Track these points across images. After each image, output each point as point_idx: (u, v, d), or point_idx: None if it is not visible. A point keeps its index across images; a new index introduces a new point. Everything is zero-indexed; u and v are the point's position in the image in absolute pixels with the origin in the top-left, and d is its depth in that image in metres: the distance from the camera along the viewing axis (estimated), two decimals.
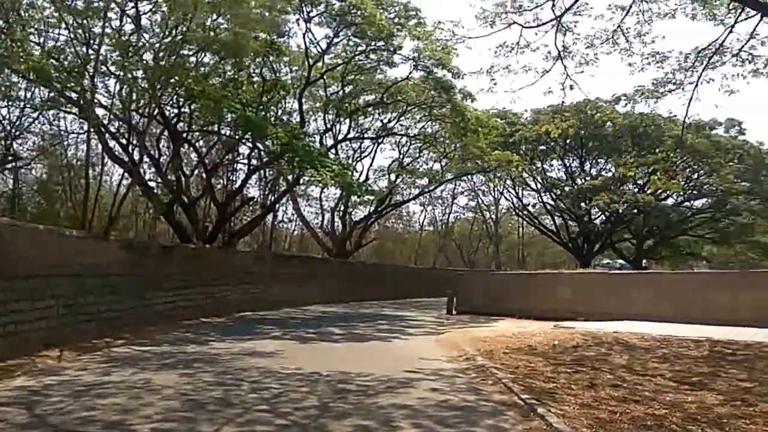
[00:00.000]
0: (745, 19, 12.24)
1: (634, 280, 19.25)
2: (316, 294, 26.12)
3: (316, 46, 24.52)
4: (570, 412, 6.84)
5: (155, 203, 20.01)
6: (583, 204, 35.24)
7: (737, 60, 13.59)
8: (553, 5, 13.21)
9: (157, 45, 16.01)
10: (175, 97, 18.44)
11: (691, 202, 36.45)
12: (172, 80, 15.92)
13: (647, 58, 14.45)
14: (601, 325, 15.53)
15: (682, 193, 36.14)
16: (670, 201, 35.32)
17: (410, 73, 26.63)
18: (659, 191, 34.39)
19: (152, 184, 21.32)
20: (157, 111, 17.39)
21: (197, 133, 22.17)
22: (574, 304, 19.26)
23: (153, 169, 21.02)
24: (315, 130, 29.88)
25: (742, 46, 13.13)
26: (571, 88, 14.21)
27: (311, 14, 22.96)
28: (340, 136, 30.99)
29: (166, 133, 20.36)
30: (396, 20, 23.47)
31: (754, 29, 12.45)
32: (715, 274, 18.70)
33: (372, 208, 35.41)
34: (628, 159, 20.10)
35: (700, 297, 16.21)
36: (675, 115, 30.73)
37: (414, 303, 30.88)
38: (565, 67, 14.05)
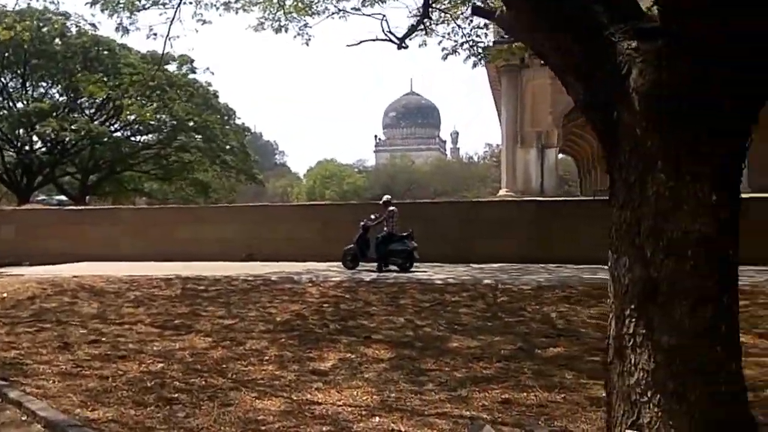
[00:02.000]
0: None
1: (92, 216, 17.97)
2: None
3: None
4: (52, 387, 5.52)
5: None
6: (22, 130, 30.97)
7: None
8: None
9: None
10: None
11: (140, 136, 36.48)
12: None
13: None
14: (56, 268, 13.92)
15: (131, 127, 35.80)
16: (119, 134, 34.41)
17: None
18: (109, 122, 33.27)
19: None
20: None
21: None
22: (18, 245, 16.77)
23: None
24: None
25: None
26: None
27: None
28: None
29: None
30: None
31: None
32: (181, 210, 19.06)
33: None
34: (100, 78, 18.06)
35: (166, 233, 16.26)
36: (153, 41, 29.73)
37: None
38: None
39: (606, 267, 3.07)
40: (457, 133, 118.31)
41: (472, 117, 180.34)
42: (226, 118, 36.35)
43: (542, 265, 13.65)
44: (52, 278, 11.99)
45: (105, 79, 28.07)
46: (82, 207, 23.71)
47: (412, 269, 13.09)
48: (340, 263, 13.88)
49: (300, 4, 14.39)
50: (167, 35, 11.74)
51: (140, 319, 8.88)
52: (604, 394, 3.15)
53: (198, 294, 10.61)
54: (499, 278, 11.38)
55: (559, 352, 6.50)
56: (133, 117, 28.44)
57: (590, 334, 7.21)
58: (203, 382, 5.71)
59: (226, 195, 42.40)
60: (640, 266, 2.74)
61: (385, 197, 14.06)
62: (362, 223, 13.65)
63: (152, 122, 33.56)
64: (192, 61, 32.37)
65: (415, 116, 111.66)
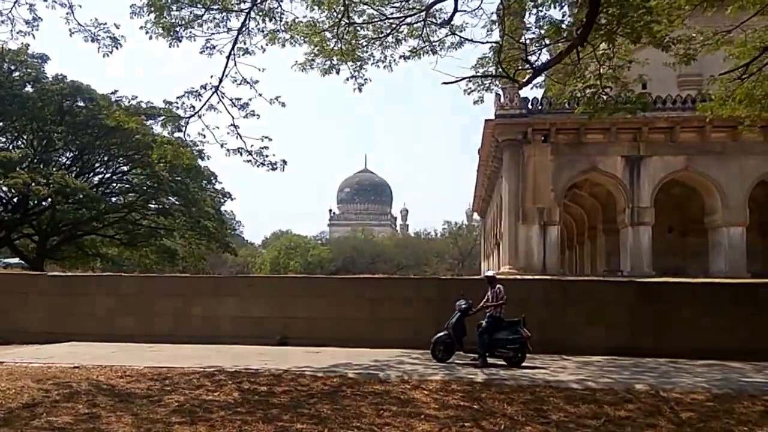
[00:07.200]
0: None
1: (81, 284, 14.53)
2: None
3: None
4: None
5: None
6: None
7: None
8: None
9: None
10: None
11: (113, 198, 32.80)
12: None
13: None
14: (45, 352, 10.77)
15: (98, 188, 32.31)
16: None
17: None
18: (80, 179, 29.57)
19: None
20: None
21: None
22: None
23: None
24: None
25: None
26: None
27: None
28: None
29: None
30: None
31: None
32: (196, 280, 15.43)
33: None
34: (121, 112, 14.73)
35: (178, 308, 13.09)
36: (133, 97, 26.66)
37: None
38: None
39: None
40: (407, 211, 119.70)
41: (422, 194, 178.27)
42: (204, 183, 33.33)
43: (655, 359, 11.61)
44: (49, 370, 8.85)
45: (66, 133, 24.76)
46: (70, 273, 19.98)
47: (523, 364, 10.50)
48: (398, 350, 11.77)
49: (355, 43, 11.97)
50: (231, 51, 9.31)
51: None
52: None
53: (265, 400, 7.64)
54: (644, 381, 9.10)
55: None
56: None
57: None
58: None
59: (194, 263, 38.66)
60: None
61: (489, 272, 11.50)
62: (462, 305, 10.91)
63: (128, 183, 30.35)
64: (180, 119, 29.15)
65: (368, 193, 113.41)
